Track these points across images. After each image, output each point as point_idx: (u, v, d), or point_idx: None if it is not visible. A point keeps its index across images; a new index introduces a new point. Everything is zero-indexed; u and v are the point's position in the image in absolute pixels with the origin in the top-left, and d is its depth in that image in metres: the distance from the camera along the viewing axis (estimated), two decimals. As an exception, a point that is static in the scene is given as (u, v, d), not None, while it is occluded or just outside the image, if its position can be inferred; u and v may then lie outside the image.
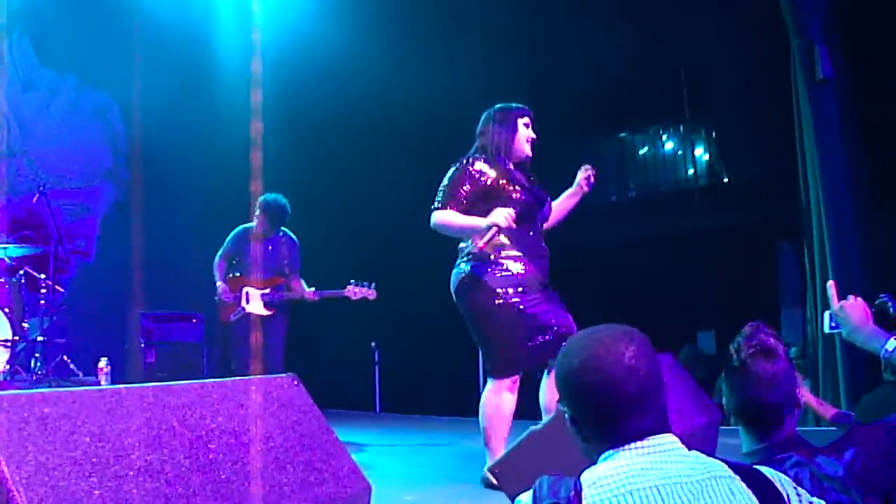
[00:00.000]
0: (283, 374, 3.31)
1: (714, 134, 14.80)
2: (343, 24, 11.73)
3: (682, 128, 15.26)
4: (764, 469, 1.90)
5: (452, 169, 5.69)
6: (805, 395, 5.41)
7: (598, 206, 15.38)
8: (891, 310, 6.10)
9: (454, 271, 5.76)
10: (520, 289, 5.47)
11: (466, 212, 5.48)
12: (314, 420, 3.22)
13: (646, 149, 15.79)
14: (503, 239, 5.46)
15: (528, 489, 1.82)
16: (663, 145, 15.63)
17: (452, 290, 5.78)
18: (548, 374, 5.61)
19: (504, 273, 5.48)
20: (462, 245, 5.73)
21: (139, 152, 11.58)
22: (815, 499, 1.92)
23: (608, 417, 1.85)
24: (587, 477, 1.78)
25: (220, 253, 8.14)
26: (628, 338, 1.90)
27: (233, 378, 3.23)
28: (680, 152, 15.29)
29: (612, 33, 13.46)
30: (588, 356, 1.89)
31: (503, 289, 5.45)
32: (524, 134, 5.89)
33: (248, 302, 7.88)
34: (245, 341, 7.84)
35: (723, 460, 1.87)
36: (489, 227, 5.25)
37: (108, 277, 11.15)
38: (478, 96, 13.10)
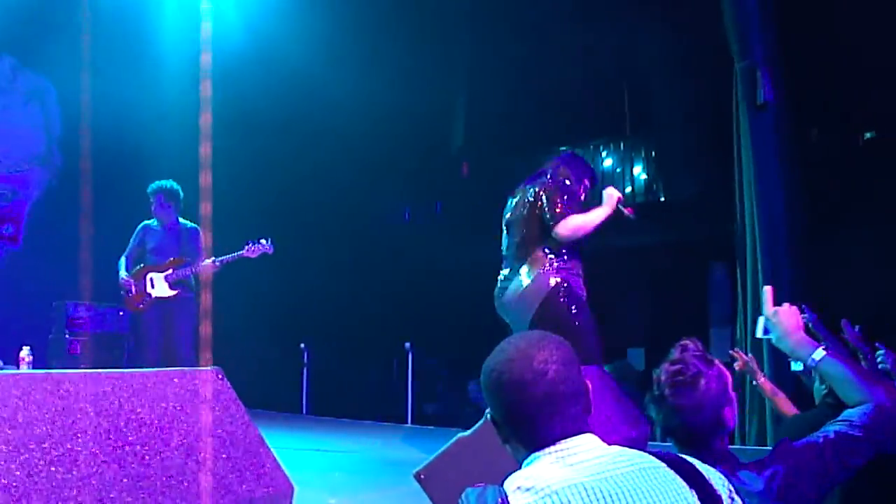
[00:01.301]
0: (209, 368, 3.21)
1: (653, 153, 14.91)
2: (292, 28, 11.65)
3: (622, 145, 15.35)
4: (691, 459, 1.92)
5: (540, 189, 6.01)
6: (763, 384, 5.54)
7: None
8: (810, 325, 6.21)
9: (531, 281, 5.87)
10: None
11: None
12: (238, 416, 3.14)
13: (585, 164, 15.84)
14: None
15: (456, 499, 1.81)
16: (602, 161, 15.71)
17: (531, 297, 5.86)
18: None
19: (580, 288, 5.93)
20: (533, 255, 5.94)
21: (76, 138, 11.33)
22: None
23: (519, 420, 1.89)
24: (510, 483, 1.79)
25: (125, 254, 8.21)
26: (542, 343, 1.93)
27: (154, 369, 3.12)
28: (619, 169, 15.37)
29: (555, 47, 13.53)
30: (502, 359, 1.93)
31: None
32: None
33: (153, 287, 7.89)
34: (157, 328, 7.84)
35: (649, 451, 1.90)
36: (617, 205, 6.05)
37: (36, 265, 10.89)
38: (417, 105, 13.22)
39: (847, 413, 2.48)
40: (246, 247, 7.91)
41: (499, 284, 6.09)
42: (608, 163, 15.63)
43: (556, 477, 1.77)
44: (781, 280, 8.39)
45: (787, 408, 5.77)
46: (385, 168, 13.74)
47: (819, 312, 6.43)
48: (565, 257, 5.86)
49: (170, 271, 7.95)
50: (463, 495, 1.78)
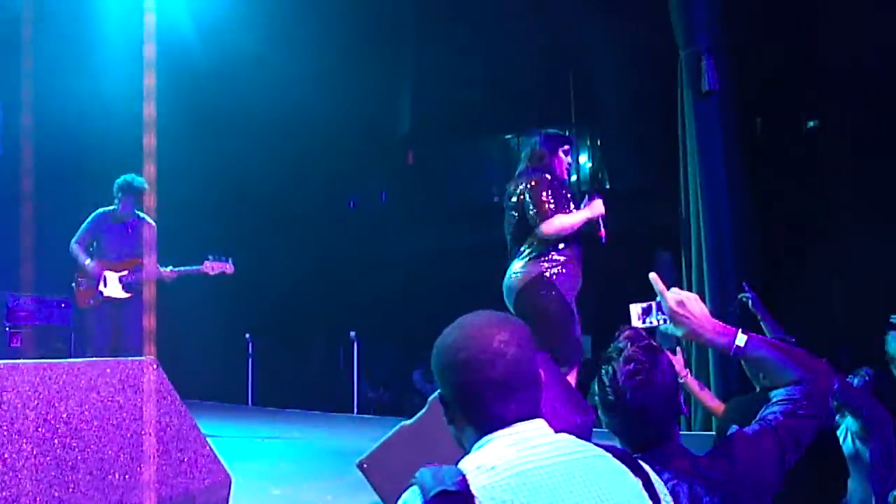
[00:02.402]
0: (142, 358, 3.12)
1: (599, 141, 14.99)
2: (236, 16, 11.53)
3: (567, 133, 15.39)
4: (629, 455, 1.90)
5: (527, 185, 6.06)
6: (689, 382, 5.57)
7: (480, 207, 15.47)
8: (749, 304, 6.28)
9: (521, 271, 6.04)
10: (573, 292, 6.07)
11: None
12: (174, 407, 3.06)
13: (531, 152, 15.89)
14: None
15: (405, 487, 1.75)
16: (549, 150, 15.75)
17: (518, 287, 6.06)
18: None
19: (570, 277, 6.02)
20: (524, 248, 6.08)
21: (17, 129, 11.11)
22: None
23: (472, 400, 1.84)
24: (468, 463, 1.75)
25: (75, 238, 7.84)
26: (502, 324, 1.88)
27: (87, 359, 3.03)
28: (565, 157, 15.41)
29: (501, 36, 13.53)
30: (459, 336, 1.88)
31: (570, 291, 6.03)
32: (563, 160, 6.45)
33: (105, 285, 7.67)
34: (103, 326, 7.64)
35: (595, 443, 1.88)
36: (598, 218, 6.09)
37: (-25, 256, 10.69)
38: (362, 93, 13.15)
39: (783, 393, 2.42)
40: (206, 262, 7.74)
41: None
42: (554, 151, 15.66)
43: (516, 459, 1.74)
44: (726, 266, 8.44)
45: (713, 403, 5.81)
46: (330, 156, 13.67)
47: (762, 296, 6.52)
48: (560, 246, 5.97)
49: (125, 273, 7.72)
50: (417, 474, 1.72)
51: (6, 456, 2.36)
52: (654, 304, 2.58)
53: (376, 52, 13.83)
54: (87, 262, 7.71)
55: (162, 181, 8.13)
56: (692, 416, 8.38)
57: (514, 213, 6.17)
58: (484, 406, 1.83)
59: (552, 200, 5.96)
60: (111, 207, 7.83)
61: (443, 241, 14.44)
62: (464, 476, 1.69)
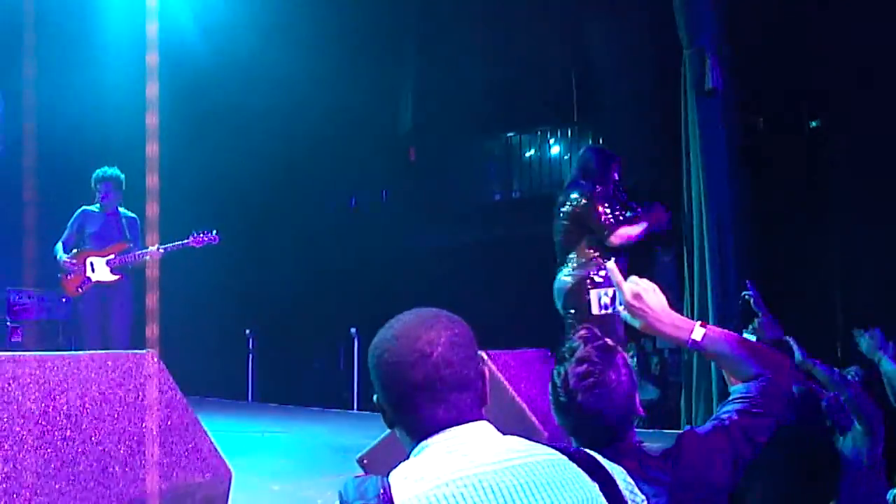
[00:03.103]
0: (143, 351, 3.11)
1: (601, 139, 14.96)
2: (238, 14, 11.52)
3: (569, 131, 15.40)
4: (592, 452, 1.79)
5: (585, 201, 6.55)
6: None
7: (482, 205, 15.47)
8: (751, 301, 6.30)
9: (570, 274, 6.33)
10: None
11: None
12: (173, 401, 3.05)
13: (532, 150, 15.89)
14: None
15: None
16: (550, 148, 15.74)
17: (566, 289, 6.30)
18: None
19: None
20: (572, 255, 6.42)
21: (19, 126, 11.10)
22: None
23: (401, 404, 1.74)
24: (397, 473, 1.63)
25: (61, 238, 8.00)
26: (431, 322, 1.77)
27: (87, 352, 3.03)
28: (566, 156, 15.41)
29: (503, 33, 13.52)
30: (386, 337, 1.78)
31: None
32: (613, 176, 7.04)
33: (93, 271, 7.74)
34: (94, 312, 7.70)
35: (550, 445, 1.76)
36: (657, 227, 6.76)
37: (-25, 252, 10.68)
38: (363, 91, 13.15)
39: (741, 389, 2.34)
40: (192, 236, 7.81)
41: None
42: (556, 150, 15.68)
43: (447, 468, 1.61)
44: (728, 264, 8.43)
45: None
46: (331, 154, 13.67)
47: (763, 295, 6.52)
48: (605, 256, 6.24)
49: (112, 256, 7.79)
50: (342, 486, 1.63)
51: (7, 448, 2.36)
52: (617, 291, 2.51)
53: (378, 50, 13.83)
54: (64, 257, 7.82)
55: (162, 178, 8.12)
56: (694, 413, 8.37)
57: (565, 222, 6.57)
58: (413, 410, 1.72)
59: (609, 212, 6.46)
60: (88, 206, 7.95)
61: (444, 238, 14.43)
62: (386, 488, 1.59)
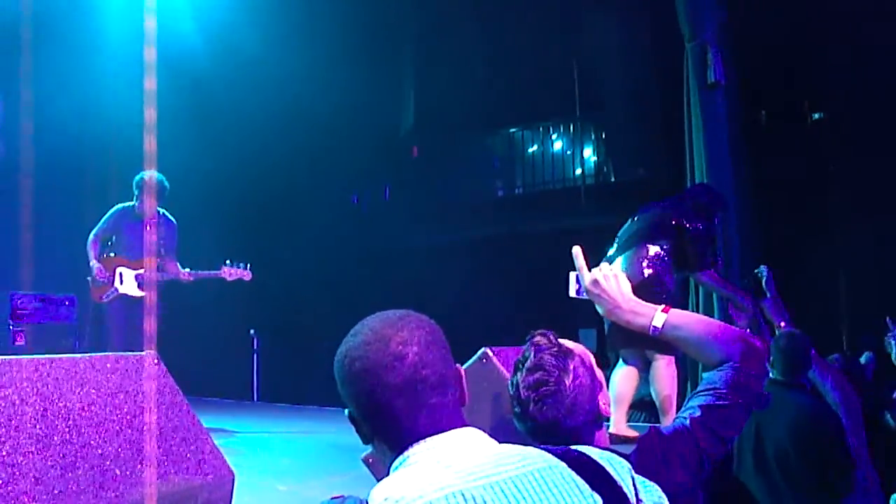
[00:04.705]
0: (144, 352, 3.09)
1: (603, 135, 14.95)
2: (239, 13, 11.50)
3: (571, 127, 15.38)
4: (591, 452, 1.69)
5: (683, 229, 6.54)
6: None
7: (484, 201, 15.45)
8: (763, 281, 6.34)
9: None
10: None
11: None
12: (175, 402, 3.03)
13: (535, 146, 15.88)
14: None
15: None
16: (553, 144, 15.72)
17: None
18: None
19: None
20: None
21: (17, 128, 11.10)
22: (654, 487, 1.71)
23: (378, 414, 1.65)
24: (378, 492, 1.51)
25: (94, 231, 7.79)
26: (401, 323, 1.71)
27: (86, 354, 3.01)
28: (569, 151, 15.40)
29: (505, 29, 13.50)
30: (355, 343, 1.70)
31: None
32: None
33: (121, 283, 7.61)
34: (118, 323, 7.59)
35: (545, 448, 1.66)
36: None
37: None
38: (365, 88, 13.13)
39: (709, 379, 2.20)
40: (223, 268, 7.70)
41: None
42: (558, 145, 15.66)
43: (432, 483, 1.50)
44: (732, 257, 8.43)
45: None
46: (333, 152, 13.65)
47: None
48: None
49: (142, 270, 7.67)
50: None
51: (4, 452, 2.34)
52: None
53: (379, 47, 13.81)
54: (94, 263, 7.69)
55: (168, 177, 8.10)
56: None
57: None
58: (392, 419, 1.63)
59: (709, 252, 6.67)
60: (131, 203, 7.78)
61: (447, 235, 14.41)
62: None
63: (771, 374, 5.52)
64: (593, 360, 2.44)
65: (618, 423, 6.07)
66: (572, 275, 2.41)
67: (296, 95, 12.36)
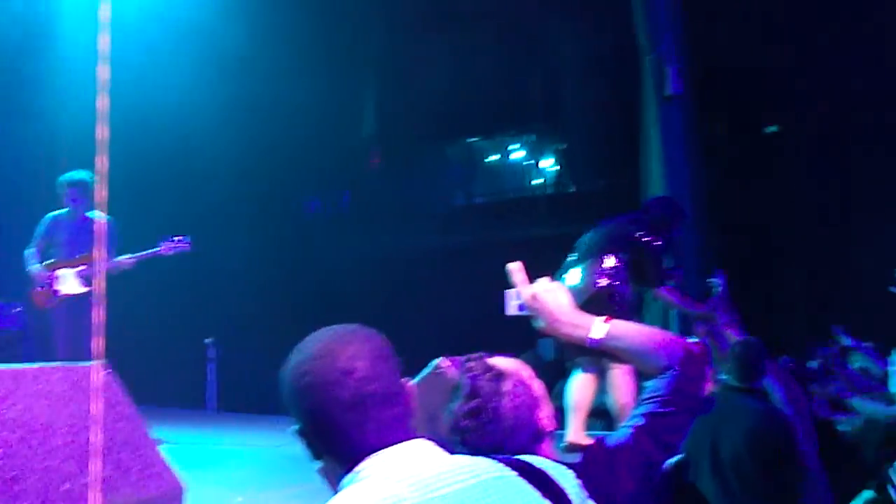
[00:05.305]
0: (94, 362, 3.04)
1: (563, 145, 15.02)
2: (197, 13, 11.39)
3: (532, 136, 15.44)
4: (540, 462, 1.71)
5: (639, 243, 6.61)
6: None
7: (444, 210, 15.46)
8: (717, 291, 6.44)
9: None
10: None
11: None
12: (124, 413, 2.99)
13: (495, 156, 15.92)
14: None
15: None
16: (512, 153, 15.78)
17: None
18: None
19: None
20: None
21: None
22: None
23: (328, 429, 1.65)
24: None
25: (31, 246, 7.81)
26: (349, 337, 1.71)
27: (35, 364, 2.96)
28: (529, 161, 15.46)
29: (467, 38, 13.52)
30: (303, 359, 1.71)
31: None
32: None
33: (62, 283, 7.57)
34: (64, 331, 7.53)
35: (496, 458, 1.68)
36: None
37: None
38: (325, 93, 13.08)
39: (651, 387, 2.18)
40: (161, 244, 7.64)
41: None
42: (518, 155, 15.71)
43: (384, 498, 1.51)
44: (687, 268, 8.49)
45: None
46: (292, 159, 13.58)
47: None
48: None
49: (82, 267, 7.61)
50: None
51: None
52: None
53: (342, 54, 13.77)
54: (35, 267, 7.65)
55: (117, 182, 8.00)
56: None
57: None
58: (342, 434, 1.63)
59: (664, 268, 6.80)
60: (59, 211, 7.76)
61: (407, 244, 14.39)
62: None
63: (727, 381, 5.60)
64: (529, 376, 2.41)
65: (576, 432, 6.08)
66: (508, 292, 2.37)
67: (255, 101, 12.29)
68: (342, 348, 1.67)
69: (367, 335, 1.73)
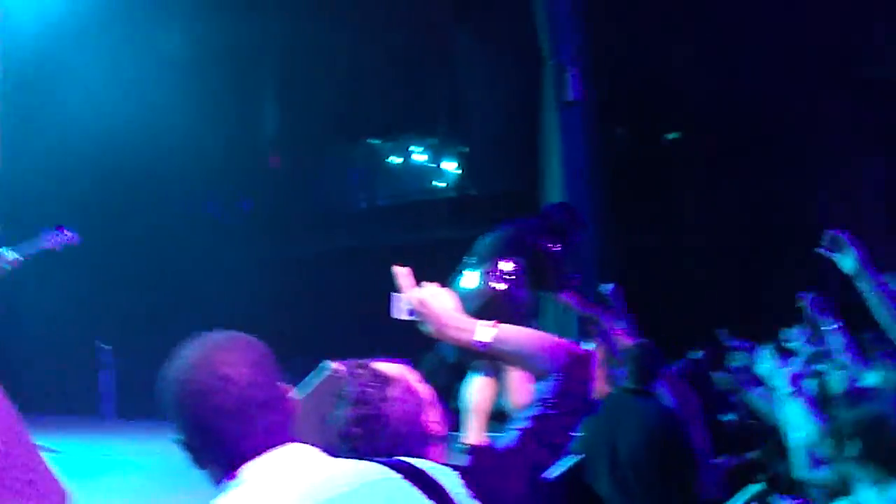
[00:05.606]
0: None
1: (465, 148, 15.11)
2: (87, 14, 11.16)
3: (434, 140, 15.50)
4: (423, 463, 1.75)
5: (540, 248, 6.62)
6: None
7: (347, 213, 15.41)
8: (608, 297, 6.54)
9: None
10: None
11: None
12: (4, 423, 2.89)
13: (398, 158, 15.93)
14: None
15: None
16: (415, 156, 15.81)
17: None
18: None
19: None
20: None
21: None
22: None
23: (206, 435, 1.66)
24: None
25: None
26: (228, 345, 1.72)
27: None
28: (431, 164, 15.52)
29: (368, 40, 13.51)
30: (182, 367, 1.70)
31: None
32: None
33: None
34: None
35: (380, 461, 1.71)
36: None
37: None
38: (225, 97, 12.94)
39: (537, 390, 2.17)
40: (46, 236, 7.36)
41: None
42: (421, 157, 15.75)
43: (263, 503, 1.54)
44: (588, 271, 8.58)
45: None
46: (190, 162, 13.38)
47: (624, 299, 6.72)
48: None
49: None
50: None
51: None
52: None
53: (242, 58, 13.64)
54: None
55: (7, 183, 7.80)
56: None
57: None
58: (223, 441, 1.64)
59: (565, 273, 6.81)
60: None
61: (309, 247, 14.31)
62: None
63: (624, 383, 5.71)
64: (416, 381, 2.40)
65: (474, 434, 6.11)
66: (396, 296, 2.35)
67: (155, 103, 12.08)
68: (221, 356, 1.67)
69: (247, 342, 1.74)
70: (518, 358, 2.26)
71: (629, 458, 5.29)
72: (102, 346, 11.76)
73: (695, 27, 11.17)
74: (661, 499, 5.28)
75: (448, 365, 9.39)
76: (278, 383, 1.73)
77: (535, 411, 2.12)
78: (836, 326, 4.62)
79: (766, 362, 4.33)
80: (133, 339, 12.39)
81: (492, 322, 2.26)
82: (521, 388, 6.24)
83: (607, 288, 6.63)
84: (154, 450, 8.12)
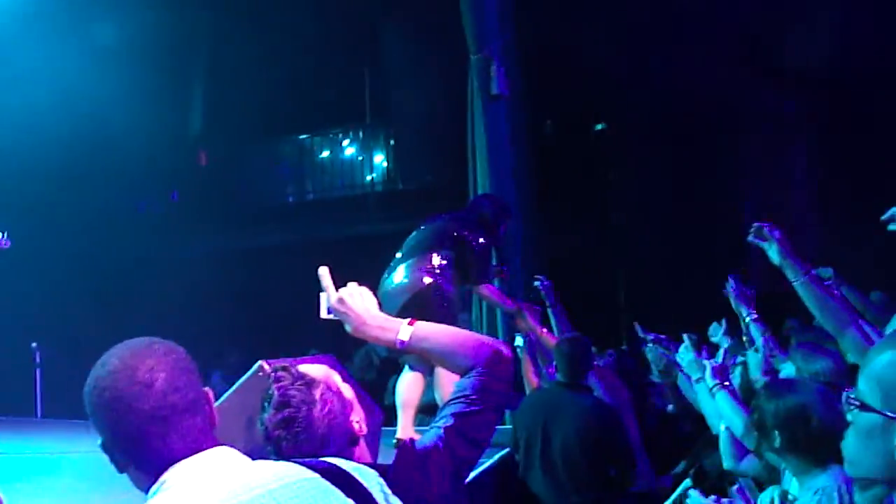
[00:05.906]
0: None
1: (392, 141, 15.11)
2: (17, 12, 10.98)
3: (362, 133, 15.47)
4: (344, 463, 1.78)
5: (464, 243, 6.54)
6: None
7: (275, 208, 15.34)
8: (542, 294, 6.64)
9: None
10: None
11: None
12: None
13: (326, 152, 15.87)
14: None
15: None
16: (344, 150, 15.77)
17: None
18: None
19: None
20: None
21: None
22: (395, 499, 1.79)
23: (130, 442, 1.68)
24: None
25: None
26: (148, 350, 1.73)
27: None
28: (360, 157, 15.49)
29: (295, 35, 13.45)
30: (103, 373, 1.71)
31: None
32: None
33: None
34: None
35: (300, 462, 1.73)
36: None
37: None
38: (152, 91, 12.78)
39: (459, 386, 2.21)
40: None
41: None
42: (350, 151, 15.72)
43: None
44: (516, 267, 8.63)
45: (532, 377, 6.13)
46: (116, 157, 13.20)
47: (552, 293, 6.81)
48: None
49: None
50: None
51: None
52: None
53: (169, 53, 13.49)
54: None
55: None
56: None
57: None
58: (145, 445, 1.67)
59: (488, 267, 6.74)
60: None
61: (238, 242, 14.22)
62: None
63: (556, 378, 5.78)
64: (339, 381, 2.44)
65: (405, 429, 6.13)
66: (322, 296, 2.37)
67: (83, 99, 11.89)
68: (141, 361, 1.69)
69: (167, 348, 1.75)
70: (438, 355, 2.28)
71: (562, 452, 5.36)
72: (34, 346, 11.60)
73: (622, 18, 11.29)
74: (594, 492, 5.36)
75: (380, 360, 9.44)
76: (199, 388, 1.75)
77: (456, 408, 2.15)
78: (755, 316, 4.71)
79: (685, 354, 4.40)
80: (64, 339, 12.24)
81: (408, 320, 2.28)
82: (449, 384, 6.29)
83: (539, 282, 6.71)
84: (82, 450, 8.06)
